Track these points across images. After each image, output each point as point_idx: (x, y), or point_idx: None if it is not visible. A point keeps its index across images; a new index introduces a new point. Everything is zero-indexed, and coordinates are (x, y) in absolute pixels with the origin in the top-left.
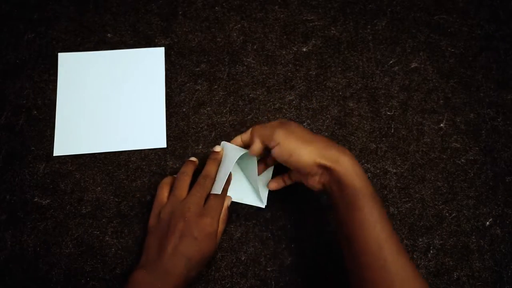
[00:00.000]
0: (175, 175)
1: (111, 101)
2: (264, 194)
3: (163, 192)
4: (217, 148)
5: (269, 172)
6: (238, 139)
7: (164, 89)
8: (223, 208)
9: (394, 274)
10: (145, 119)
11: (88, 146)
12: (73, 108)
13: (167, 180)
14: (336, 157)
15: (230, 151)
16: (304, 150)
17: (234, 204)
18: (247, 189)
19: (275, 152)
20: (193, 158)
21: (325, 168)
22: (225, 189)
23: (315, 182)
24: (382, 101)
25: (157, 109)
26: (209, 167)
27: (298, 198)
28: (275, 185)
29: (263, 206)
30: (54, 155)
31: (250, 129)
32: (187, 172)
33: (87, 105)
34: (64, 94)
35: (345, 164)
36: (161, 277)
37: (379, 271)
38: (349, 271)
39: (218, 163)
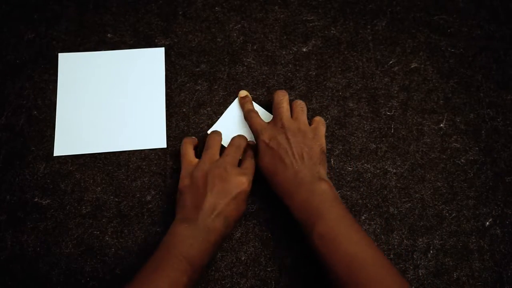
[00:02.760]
0: (193, 136)
1: (111, 101)
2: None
3: (190, 152)
4: (243, 93)
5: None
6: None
7: (164, 89)
8: (241, 142)
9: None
10: (145, 119)
11: (88, 146)
12: (73, 108)
13: (188, 140)
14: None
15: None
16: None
17: None
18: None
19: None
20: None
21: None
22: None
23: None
24: (382, 101)
25: (157, 109)
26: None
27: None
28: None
29: None
30: (54, 155)
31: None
32: (217, 132)
33: (87, 105)
34: (64, 94)
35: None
36: (202, 233)
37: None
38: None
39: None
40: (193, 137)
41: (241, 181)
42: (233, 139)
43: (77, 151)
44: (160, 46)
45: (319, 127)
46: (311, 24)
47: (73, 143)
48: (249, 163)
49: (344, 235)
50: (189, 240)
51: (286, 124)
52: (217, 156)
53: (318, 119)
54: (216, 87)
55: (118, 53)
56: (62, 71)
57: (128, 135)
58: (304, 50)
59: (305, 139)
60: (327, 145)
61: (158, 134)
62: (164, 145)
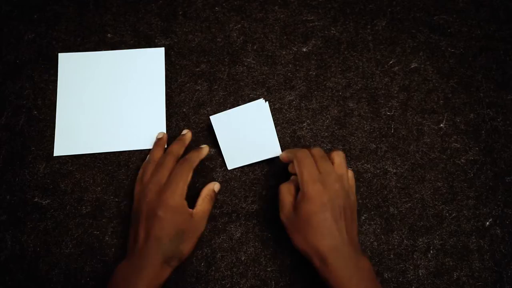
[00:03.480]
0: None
1: (111, 101)
2: (276, 142)
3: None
4: (184, 131)
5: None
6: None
7: (164, 89)
8: (210, 189)
9: None
10: (146, 119)
11: (89, 146)
12: (73, 108)
13: (152, 157)
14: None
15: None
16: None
17: (234, 205)
18: (256, 146)
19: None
20: (160, 135)
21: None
22: (192, 158)
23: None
24: (382, 101)
25: (157, 109)
26: (172, 146)
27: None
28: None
29: (280, 152)
30: (54, 155)
31: (297, 155)
32: (153, 159)
33: (87, 105)
34: (64, 94)
35: (337, 264)
36: (138, 263)
37: None
38: None
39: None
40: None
41: (164, 197)
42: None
43: (77, 151)
44: (160, 46)
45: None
46: (311, 24)
47: (73, 143)
48: (172, 174)
49: None
50: (128, 278)
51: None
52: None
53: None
54: (216, 87)
55: (118, 53)
56: (62, 71)
57: (128, 135)
58: (304, 50)
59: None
60: (327, 145)
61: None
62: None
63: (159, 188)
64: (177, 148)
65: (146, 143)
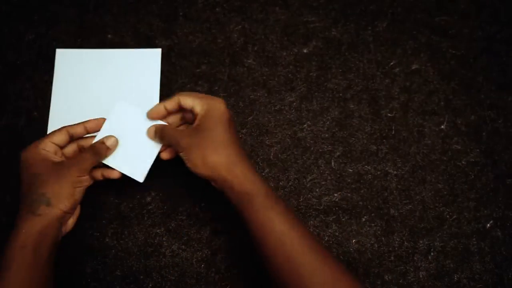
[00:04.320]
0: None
1: (105, 100)
2: (146, 167)
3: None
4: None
5: (157, 145)
6: (161, 107)
7: (158, 91)
8: (100, 142)
9: (300, 265)
10: None
11: None
12: (67, 105)
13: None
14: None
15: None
16: (208, 158)
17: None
18: (128, 157)
19: (187, 159)
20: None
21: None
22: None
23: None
24: (383, 103)
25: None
26: None
27: (298, 200)
28: (167, 155)
29: (141, 181)
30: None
31: (175, 96)
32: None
33: (81, 103)
34: (59, 89)
35: (236, 172)
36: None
37: (284, 266)
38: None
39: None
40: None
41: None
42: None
43: None
44: (161, 47)
45: None
46: (311, 25)
47: None
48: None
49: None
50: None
51: None
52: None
53: None
54: (216, 88)
55: (114, 52)
56: (59, 66)
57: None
58: (305, 51)
59: None
60: (327, 146)
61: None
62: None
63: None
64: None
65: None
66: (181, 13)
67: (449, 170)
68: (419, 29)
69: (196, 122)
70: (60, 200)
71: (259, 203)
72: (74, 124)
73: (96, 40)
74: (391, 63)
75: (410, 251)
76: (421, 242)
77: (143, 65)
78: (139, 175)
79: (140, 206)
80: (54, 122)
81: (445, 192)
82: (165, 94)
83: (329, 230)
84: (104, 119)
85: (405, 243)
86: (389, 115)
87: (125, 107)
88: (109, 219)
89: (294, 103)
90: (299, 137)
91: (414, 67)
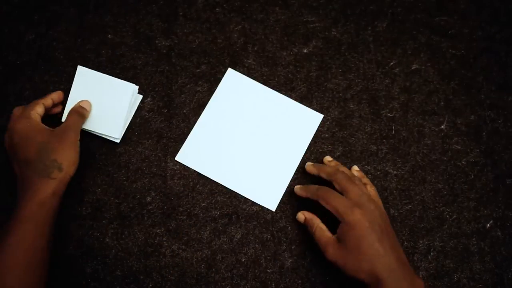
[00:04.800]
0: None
1: (249, 137)
2: (120, 125)
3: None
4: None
5: (127, 104)
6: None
7: (302, 154)
8: (77, 105)
9: None
10: (271, 175)
11: (207, 169)
12: (214, 124)
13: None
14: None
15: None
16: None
17: (234, 206)
18: (103, 119)
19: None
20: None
21: None
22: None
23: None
24: (383, 103)
25: (286, 171)
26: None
27: (298, 200)
28: (300, 192)
29: (118, 139)
30: (175, 159)
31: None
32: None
33: (226, 128)
34: (213, 106)
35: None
36: (22, 187)
37: None
38: None
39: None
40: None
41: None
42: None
43: (195, 167)
44: (161, 47)
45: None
46: (311, 25)
47: (195, 157)
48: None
49: None
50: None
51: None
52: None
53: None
54: (216, 88)
55: (280, 97)
56: (224, 84)
57: (247, 181)
58: (305, 51)
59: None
60: (327, 146)
61: (273, 195)
62: (272, 208)
63: (11, 126)
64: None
65: (256, 197)
66: (181, 13)
67: (449, 170)
68: (419, 29)
69: (342, 230)
70: (69, 165)
71: None
72: (44, 98)
73: (97, 40)
74: (391, 63)
75: (410, 251)
76: (421, 242)
77: (302, 123)
78: (116, 134)
79: (140, 206)
80: (194, 138)
81: (445, 192)
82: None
83: (330, 230)
84: (62, 92)
85: (405, 243)
86: (389, 115)
87: (85, 71)
88: (109, 219)
89: None
90: None
91: (414, 67)
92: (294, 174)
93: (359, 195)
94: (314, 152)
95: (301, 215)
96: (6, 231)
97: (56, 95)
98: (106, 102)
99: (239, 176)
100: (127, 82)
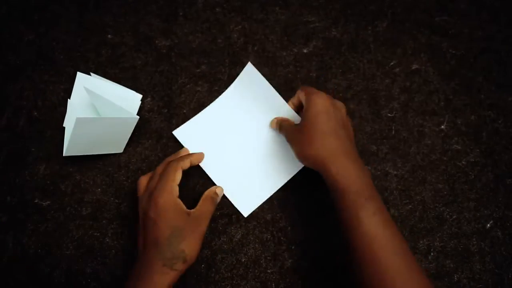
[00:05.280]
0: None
1: (248, 138)
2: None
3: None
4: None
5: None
6: (290, 105)
7: (293, 173)
8: (211, 191)
9: (385, 268)
10: (256, 181)
11: (196, 151)
12: (220, 115)
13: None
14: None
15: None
16: (314, 145)
17: (233, 206)
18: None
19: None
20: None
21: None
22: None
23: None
24: (383, 103)
25: (273, 182)
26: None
27: (298, 200)
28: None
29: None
30: (172, 132)
31: (298, 91)
32: (157, 171)
33: (230, 121)
34: (227, 98)
35: (329, 167)
36: (139, 271)
37: (368, 267)
38: (352, 270)
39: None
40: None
41: (153, 199)
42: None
43: (187, 145)
44: (161, 47)
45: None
46: (312, 25)
47: (191, 138)
48: (158, 176)
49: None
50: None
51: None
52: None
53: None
54: (216, 88)
55: (290, 111)
56: (242, 78)
57: (231, 176)
58: (305, 51)
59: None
60: None
61: (250, 202)
62: (245, 214)
63: (150, 192)
64: (172, 157)
65: (235, 198)
66: (181, 13)
67: (449, 170)
68: (419, 29)
69: (301, 116)
70: (192, 257)
71: (349, 200)
72: (183, 160)
73: (96, 40)
74: (391, 63)
75: None
76: (421, 242)
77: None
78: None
79: None
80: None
81: (445, 192)
82: (167, 95)
83: (330, 231)
84: (202, 154)
85: None
86: (389, 115)
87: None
88: (109, 219)
89: None
90: None
91: (414, 67)
92: (283, 186)
93: (332, 97)
94: None
95: (274, 120)
96: None
97: (196, 159)
98: (109, 129)
99: (226, 171)
100: (129, 111)
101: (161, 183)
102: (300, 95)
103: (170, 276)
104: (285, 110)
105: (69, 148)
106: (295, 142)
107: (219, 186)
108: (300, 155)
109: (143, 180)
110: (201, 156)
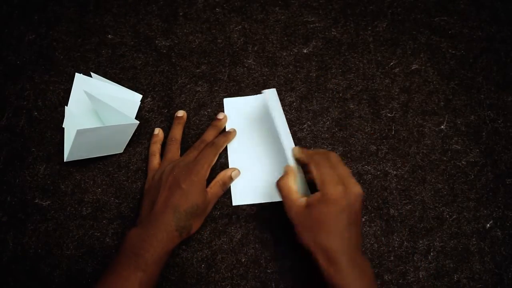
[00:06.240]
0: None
1: (257, 151)
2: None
3: (155, 159)
4: (220, 116)
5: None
6: (295, 153)
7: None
8: (225, 175)
9: None
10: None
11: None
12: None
13: (155, 149)
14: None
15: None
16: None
17: (234, 206)
18: (106, 146)
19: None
20: (180, 113)
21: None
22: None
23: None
24: (383, 103)
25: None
26: (207, 133)
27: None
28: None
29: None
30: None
31: (311, 160)
32: (175, 137)
33: (245, 131)
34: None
35: (337, 267)
36: (152, 229)
37: None
38: None
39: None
40: (158, 135)
41: (190, 171)
42: (199, 140)
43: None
44: (161, 47)
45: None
46: (311, 26)
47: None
48: (202, 152)
49: None
50: (139, 242)
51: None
52: (177, 157)
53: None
54: (216, 88)
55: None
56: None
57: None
58: (305, 51)
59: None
60: (327, 147)
61: (244, 195)
62: (233, 203)
63: (187, 165)
64: (210, 135)
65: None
66: (181, 13)
67: (449, 170)
68: (419, 29)
69: (316, 199)
70: (193, 232)
71: None
72: (222, 147)
73: (96, 40)
74: (391, 63)
75: (410, 251)
76: (421, 242)
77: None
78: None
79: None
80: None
81: (444, 192)
82: (168, 96)
83: None
84: (235, 133)
85: (405, 243)
86: (389, 115)
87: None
88: (109, 219)
89: (294, 103)
90: (299, 137)
91: (414, 67)
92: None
93: (347, 174)
94: None
95: (300, 155)
96: (137, 266)
97: (233, 136)
98: (109, 135)
99: (243, 159)
100: (129, 117)
101: (200, 163)
102: (313, 170)
103: (175, 240)
104: (288, 155)
105: (70, 155)
106: (300, 224)
107: (236, 169)
108: (301, 238)
109: (156, 146)
110: (233, 134)
